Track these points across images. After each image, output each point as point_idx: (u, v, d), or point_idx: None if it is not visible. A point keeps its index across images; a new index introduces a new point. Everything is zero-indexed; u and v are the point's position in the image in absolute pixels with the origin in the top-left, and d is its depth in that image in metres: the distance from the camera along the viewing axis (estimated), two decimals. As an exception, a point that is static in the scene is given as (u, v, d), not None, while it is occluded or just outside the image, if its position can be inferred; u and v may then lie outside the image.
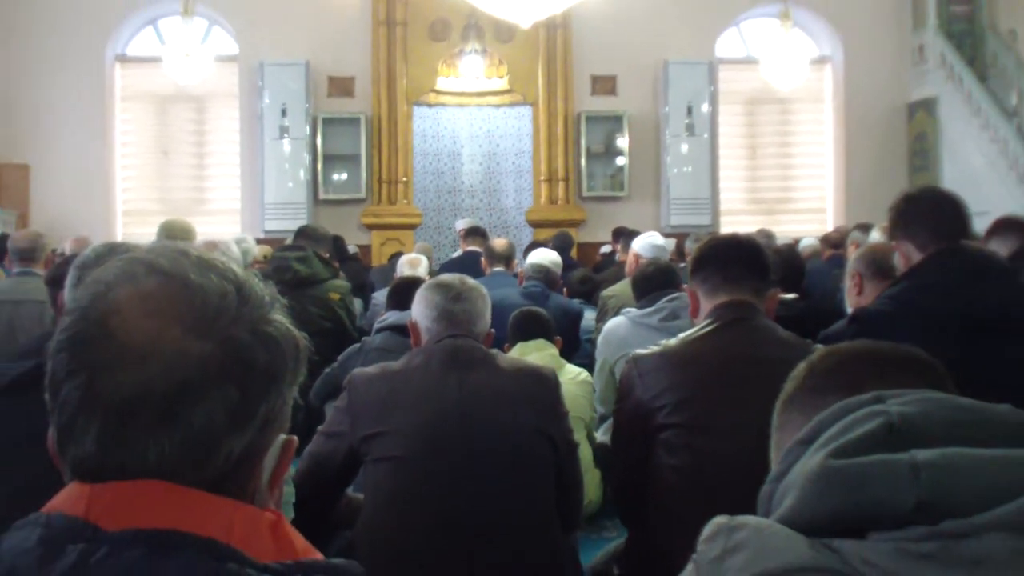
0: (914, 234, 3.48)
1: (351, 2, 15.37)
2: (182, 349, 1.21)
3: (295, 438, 1.37)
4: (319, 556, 1.28)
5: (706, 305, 3.44)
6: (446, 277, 3.78)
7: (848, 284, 4.56)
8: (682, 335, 3.42)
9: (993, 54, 15.73)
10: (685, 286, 3.61)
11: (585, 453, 5.41)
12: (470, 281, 3.73)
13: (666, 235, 10.43)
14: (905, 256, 3.51)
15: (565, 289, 8.20)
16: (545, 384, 3.56)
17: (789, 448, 1.32)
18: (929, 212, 3.50)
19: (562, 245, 10.77)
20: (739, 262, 3.43)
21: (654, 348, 3.39)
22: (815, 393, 1.47)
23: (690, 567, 1.25)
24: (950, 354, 3.10)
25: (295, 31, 15.10)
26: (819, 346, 3.37)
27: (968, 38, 15.86)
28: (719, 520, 1.23)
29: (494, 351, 3.61)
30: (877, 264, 4.26)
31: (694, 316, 3.51)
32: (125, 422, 1.18)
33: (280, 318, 1.32)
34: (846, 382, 1.42)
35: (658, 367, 3.31)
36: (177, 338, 1.21)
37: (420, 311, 3.62)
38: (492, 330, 3.75)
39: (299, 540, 1.28)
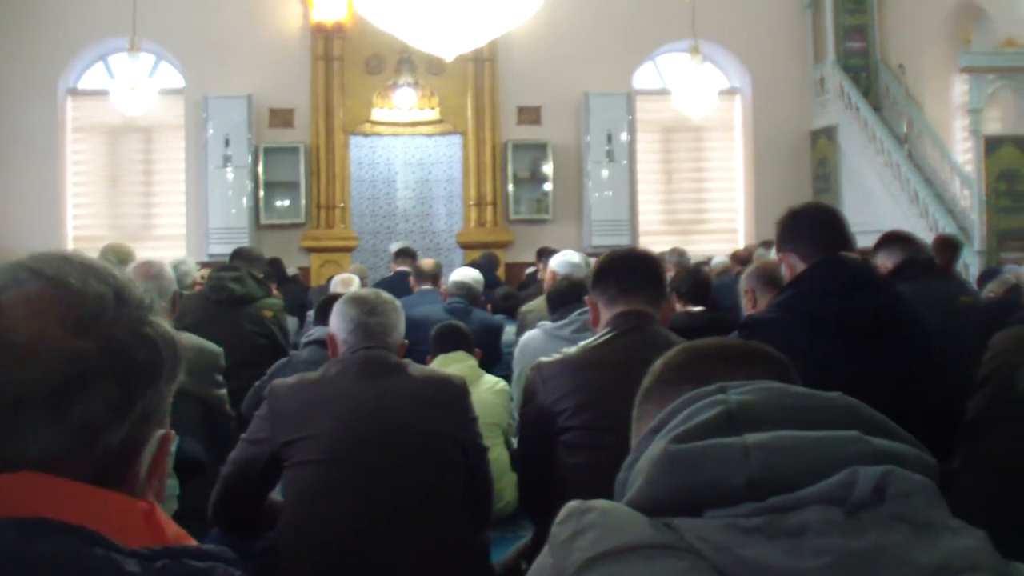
0: (798, 246, 3.51)
1: (291, 39, 15.39)
2: (63, 347, 1.20)
3: (172, 433, 1.36)
4: (192, 543, 1.27)
5: (605, 315, 3.46)
6: (362, 292, 3.78)
7: (743, 299, 4.62)
8: (582, 343, 3.45)
9: (885, 86, 16.07)
10: (587, 298, 3.61)
11: (503, 457, 5.43)
12: (385, 295, 3.73)
13: (588, 255, 10.47)
14: (791, 267, 3.54)
15: (489, 305, 8.20)
16: (454, 391, 3.56)
17: (642, 437, 1.33)
18: (812, 226, 3.53)
19: (488, 265, 10.79)
20: (635, 274, 3.46)
21: (556, 356, 3.41)
22: (668, 386, 1.49)
23: (545, 548, 1.26)
24: (832, 354, 3.20)
25: (238, 66, 15.06)
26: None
27: (863, 71, 16.16)
28: (572, 504, 1.23)
29: (406, 361, 3.61)
30: (767, 278, 4.34)
31: (595, 325, 3.53)
32: (9, 417, 1.18)
33: (158, 320, 1.32)
34: (696, 375, 1.44)
35: (560, 373, 3.33)
36: (58, 337, 1.20)
37: (337, 324, 3.61)
38: (406, 341, 3.74)
39: (171, 528, 1.28)
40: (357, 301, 3.64)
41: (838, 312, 3.26)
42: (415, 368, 3.60)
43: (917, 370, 3.31)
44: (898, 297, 3.53)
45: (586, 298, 3.66)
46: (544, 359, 3.43)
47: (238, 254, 8.00)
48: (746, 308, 4.56)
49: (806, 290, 3.37)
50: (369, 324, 3.56)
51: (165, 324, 1.33)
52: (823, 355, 3.20)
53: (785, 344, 3.20)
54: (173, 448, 1.43)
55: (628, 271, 3.46)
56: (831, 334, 3.24)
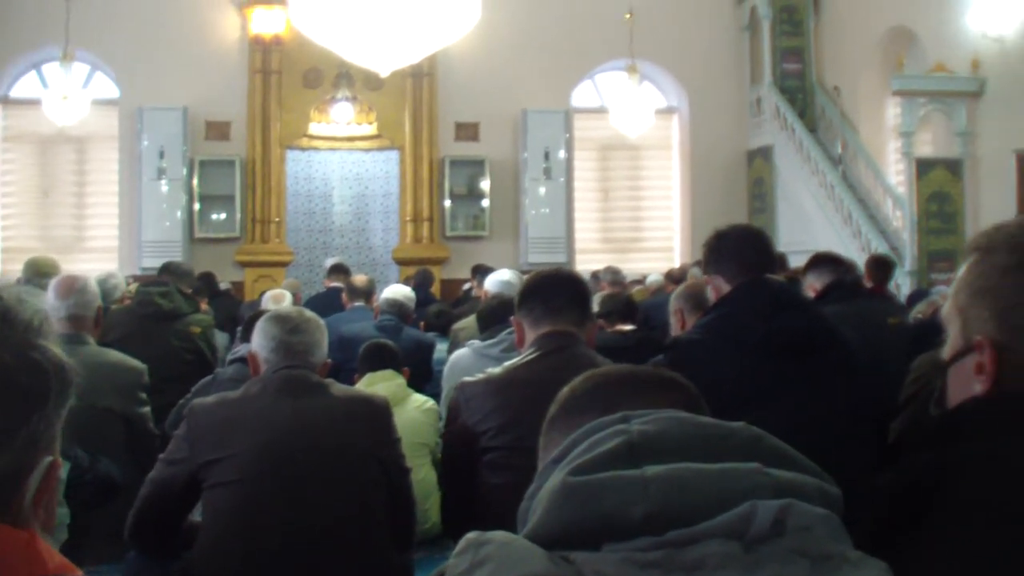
0: (723, 268, 3.52)
1: (229, 51, 15.30)
2: None
3: (60, 460, 1.31)
4: (77, 574, 1.23)
5: (530, 335, 3.44)
6: (285, 310, 3.74)
7: (672, 319, 4.63)
8: (507, 363, 3.42)
9: (821, 108, 16.24)
10: (512, 318, 3.59)
11: (430, 477, 5.39)
12: (308, 313, 3.68)
13: (524, 272, 10.45)
14: (716, 289, 3.55)
15: (422, 323, 8.16)
16: (375, 411, 3.53)
17: (544, 467, 1.31)
18: (737, 248, 3.54)
19: (423, 282, 10.75)
20: (561, 295, 3.44)
21: (480, 376, 3.39)
22: (573, 414, 1.46)
23: None
24: (756, 375, 3.21)
25: (175, 78, 14.92)
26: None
27: (799, 93, 16.32)
28: (470, 535, 1.20)
29: (328, 380, 3.56)
30: (694, 299, 4.38)
31: (519, 346, 3.51)
32: None
33: (47, 344, 1.28)
34: (601, 403, 1.41)
35: (483, 393, 3.30)
36: None
37: (259, 342, 3.56)
38: (329, 360, 3.70)
39: (54, 558, 1.23)
40: (279, 319, 3.59)
41: (761, 333, 3.28)
42: (337, 388, 3.56)
43: (840, 392, 3.34)
44: (821, 319, 3.55)
45: (511, 318, 3.63)
46: (468, 379, 3.41)
47: (167, 268, 7.91)
48: (675, 328, 4.59)
49: (730, 312, 3.39)
50: (291, 343, 3.51)
51: (55, 348, 1.29)
52: (747, 376, 3.23)
53: (709, 365, 3.26)
54: (64, 474, 1.38)
55: (554, 292, 3.44)
56: (755, 355, 3.26)
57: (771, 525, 1.09)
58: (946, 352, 1.60)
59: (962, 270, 1.57)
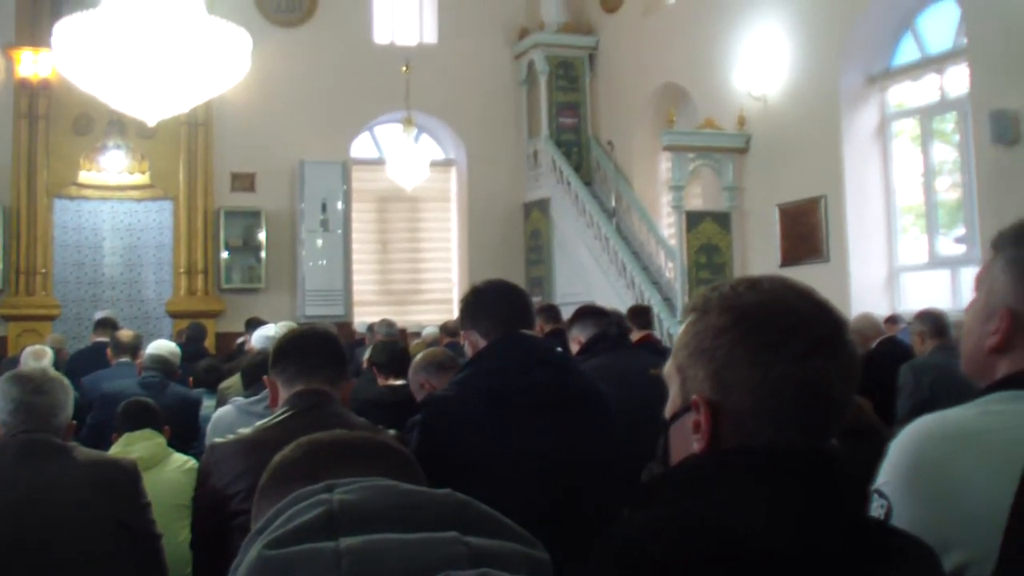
0: (480, 324, 3.54)
1: (-8, 95, 14.72)
2: None
3: None
4: None
5: (284, 394, 3.37)
6: (27, 369, 3.59)
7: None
8: (258, 423, 3.34)
9: (596, 161, 16.68)
10: (266, 377, 3.50)
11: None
12: (51, 373, 3.55)
13: (301, 325, 10.33)
14: (473, 344, 3.56)
15: (190, 378, 7.95)
16: (122, 475, 3.41)
17: (249, 538, 1.27)
18: (493, 303, 3.56)
19: (194, 336, 10.52)
20: (315, 353, 3.38)
21: (230, 437, 3.30)
22: (282, 483, 1.43)
23: None
24: (511, 429, 3.23)
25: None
26: (391, 432, 3.39)
27: (575, 147, 16.71)
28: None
29: (72, 444, 3.42)
30: (435, 366, 4.70)
31: (273, 405, 3.43)
32: None
33: None
34: (307, 471, 1.39)
35: (232, 454, 3.21)
36: None
37: (-1, 404, 3.40)
38: (74, 421, 3.55)
39: None
40: (20, 379, 3.44)
41: (515, 388, 3.31)
42: (81, 452, 3.42)
43: (594, 445, 3.41)
44: (575, 373, 3.62)
45: (265, 378, 3.55)
46: (218, 440, 3.31)
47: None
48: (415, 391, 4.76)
49: (485, 368, 3.40)
50: (33, 404, 3.37)
51: None
52: (501, 431, 3.24)
53: (464, 421, 3.26)
54: None
55: (307, 350, 3.38)
56: (509, 410, 3.29)
57: None
58: (667, 410, 1.62)
59: (680, 330, 1.60)
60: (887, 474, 1.73)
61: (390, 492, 1.25)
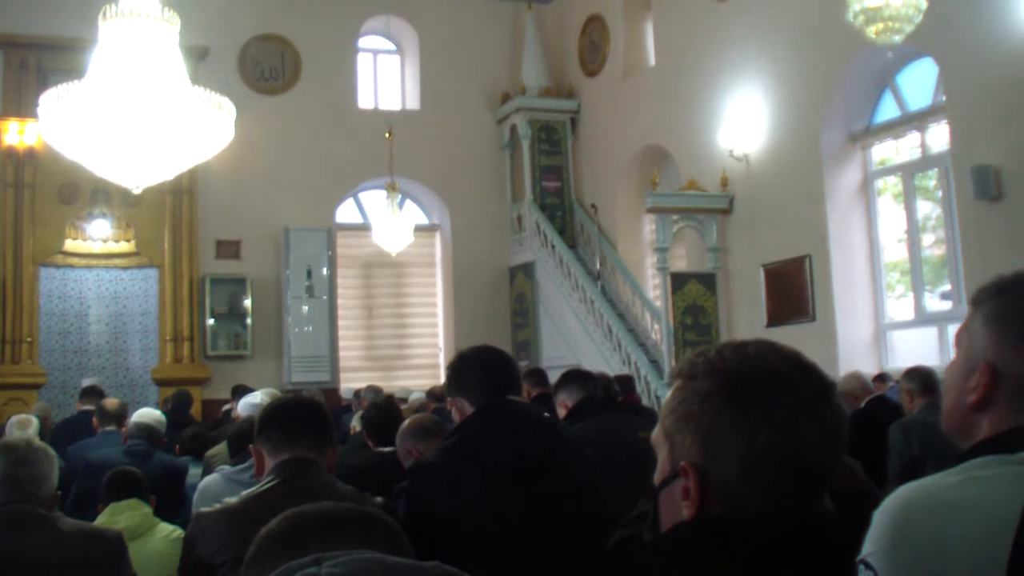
0: (466, 391, 3.53)
1: (-23, 165, 14.73)
2: None
3: None
4: None
5: (270, 462, 3.35)
6: (11, 440, 3.57)
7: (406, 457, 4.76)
8: (245, 492, 3.31)
9: (580, 224, 16.73)
10: (251, 446, 3.48)
11: (180, 609, 5.16)
12: (36, 443, 3.52)
13: (287, 391, 10.31)
14: (460, 410, 3.55)
15: (176, 446, 7.90)
16: (107, 546, 3.39)
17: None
18: (479, 370, 3.56)
19: (180, 403, 10.47)
20: (300, 421, 3.36)
21: (216, 505, 3.27)
22: (268, 555, 1.42)
23: None
24: (498, 496, 3.22)
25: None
26: (378, 499, 3.37)
27: (559, 210, 16.76)
28: None
29: (56, 514, 3.39)
30: (421, 432, 4.77)
31: (259, 473, 3.41)
32: None
33: None
34: (293, 544, 1.38)
35: (218, 524, 3.18)
36: None
37: (-18, 475, 3.37)
38: (58, 492, 3.52)
39: None
40: (5, 450, 3.42)
41: (501, 455, 3.31)
42: (65, 522, 3.40)
43: (579, 509, 3.41)
44: (560, 438, 3.62)
45: (251, 446, 3.52)
46: (204, 509, 3.29)
47: None
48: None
49: (471, 434, 3.41)
50: (17, 475, 3.34)
51: None
52: (486, 498, 3.23)
53: (449, 489, 3.25)
54: None
55: (292, 418, 3.37)
56: (496, 476, 3.29)
57: None
58: (656, 477, 1.61)
59: (667, 396, 1.59)
60: (872, 544, 1.71)
61: (377, 565, 1.24)
